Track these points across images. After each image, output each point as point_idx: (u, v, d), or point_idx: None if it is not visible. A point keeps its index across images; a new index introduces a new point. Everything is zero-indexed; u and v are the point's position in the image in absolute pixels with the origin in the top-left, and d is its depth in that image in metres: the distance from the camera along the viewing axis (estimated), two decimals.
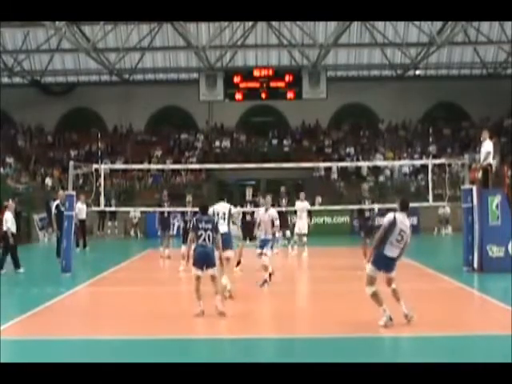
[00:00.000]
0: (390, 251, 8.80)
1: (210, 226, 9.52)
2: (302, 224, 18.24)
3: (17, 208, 24.90)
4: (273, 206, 13.57)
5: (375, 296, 8.84)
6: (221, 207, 11.31)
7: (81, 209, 19.90)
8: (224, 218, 11.17)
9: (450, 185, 17.76)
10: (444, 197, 16.59)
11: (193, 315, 9.44)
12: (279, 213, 19.38)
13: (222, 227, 10.77)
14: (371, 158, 31.65)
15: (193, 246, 9.75)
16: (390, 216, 8.91)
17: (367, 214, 15.91)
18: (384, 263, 8.84)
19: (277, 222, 12.65)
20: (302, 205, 18.35)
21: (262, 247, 12.48)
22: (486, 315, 10.16)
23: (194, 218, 10.03)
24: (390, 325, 8.59)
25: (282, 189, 19.67)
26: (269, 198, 13.29)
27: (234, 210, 11.70)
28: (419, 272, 14.86)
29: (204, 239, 9.44)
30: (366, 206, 15.83)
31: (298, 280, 14.59)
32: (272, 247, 12.75)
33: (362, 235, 15.67)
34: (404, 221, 9.00)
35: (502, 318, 9.30)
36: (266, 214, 12.74)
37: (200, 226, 9.51)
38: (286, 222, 19.43)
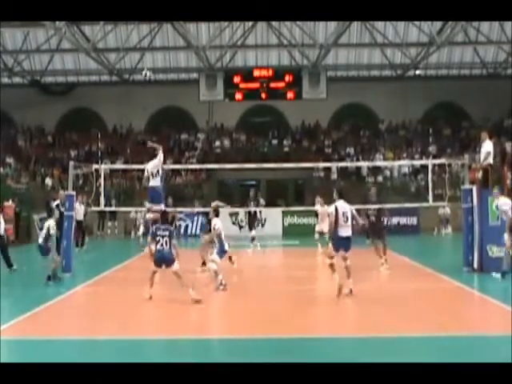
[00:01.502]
0: (343, 232, 11.22)
1: (167, 233, 11.29)
2: (325, 226, 18.95)
3: (17, 208, 25.17)
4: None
5: (332, 266, 11.40)
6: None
7: (78, 210, 19.91)
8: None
9: (450, 185, 17.76)
10: (444, 197, 16.58)
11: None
12: (249, 213, 20.45)
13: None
14: (371, 158, 31.66)
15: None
16: (331, 207, 11.45)
17: (372, 218, 15.84)
18: (341, 243, 11.26)
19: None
20: (324, 209, 18.94)
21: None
22: (486, 315, 10.17)
23: (154, 227, 11.72)
24: (341, 291, 10.99)
25: (251, 192, 20.98)
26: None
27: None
28: (419, 272, 14.87)
29: (161, 244, 11.21)
30: (368, 206, 15.83)
31: (303, 279, 14.56)
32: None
33: (370, 239, 15.78)
34: (344, 206, 11.41)
35: (502, 318, 9.31)
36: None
37: (158, 233, 11.29)
38: (254, 222, 20.82)
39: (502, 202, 13.76)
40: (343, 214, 11.26)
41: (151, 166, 13.97)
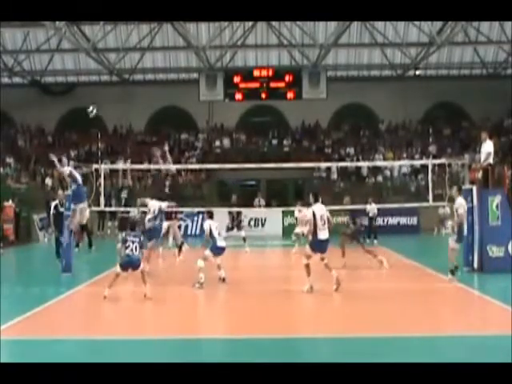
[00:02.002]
0: (322, 235, 11.68)
1: (136, 239, 11.65)
2: (305, 229, 19.32)
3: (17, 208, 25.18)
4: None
5: (307, 267, 11.76)
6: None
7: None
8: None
9: (450, 185, 17.76)
10: (444, 197, 16.59)
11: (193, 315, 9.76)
12: (232, 216, 21.00)
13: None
14: (371, 158, 31.66)
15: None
16: (309, 211, 11.85)
17: (352, 226, 16.53)
18: (320, 246, 11.72)
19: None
20: (302, 214, 19.30)
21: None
22: (486, 315, 10.16)
23: (124, 233, 12.27)
24: (309, 292, 11.61)
25: (234, 197, 21.67)
26: None
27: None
28: (419, 272, 14.87)
29: (131, 249, 11.51)
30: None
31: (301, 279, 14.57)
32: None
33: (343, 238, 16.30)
34: (321, 209, 11.86)
35: (502, 317, 9.30)
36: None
37: (128, 238, 11.64)
38: (239, 223, 21.10)
39: (459, 203, 13.50)
40: (321, 217, 11.73)
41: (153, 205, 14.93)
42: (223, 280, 12.96)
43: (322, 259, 11.90)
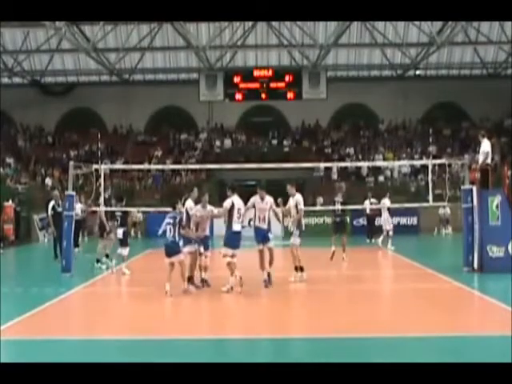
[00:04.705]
0: (236, 227, 11.57)
1: (171, 220, 10.80)
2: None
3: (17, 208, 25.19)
4: None
5: (230, 265, 11.52)
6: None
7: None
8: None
9: (450, 185, 17.77)
10: (444, 197, 16.59)
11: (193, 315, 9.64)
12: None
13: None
14: (371, 158, 31.67)
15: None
16: (228, 201, 11.58)
17: (337, 219, 17.18)
18: (233, 239, 11.56)
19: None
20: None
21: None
22: (486, 315, 10.16)
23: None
24: (230, 292, 11.37)
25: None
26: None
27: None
28: (419, 272, 14.86)
29: (166, 233, 10.80)
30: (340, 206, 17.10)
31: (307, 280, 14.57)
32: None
33: (334, 233, 16.96)
34: (239, 202, 11.72)
35: (502, 318, 9.30)
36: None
37: (165, 221, 10.86)
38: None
39: (298, 199, 13.34)
40: (238, 210, 11.61)
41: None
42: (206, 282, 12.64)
43: (233, 256, 11.56)
